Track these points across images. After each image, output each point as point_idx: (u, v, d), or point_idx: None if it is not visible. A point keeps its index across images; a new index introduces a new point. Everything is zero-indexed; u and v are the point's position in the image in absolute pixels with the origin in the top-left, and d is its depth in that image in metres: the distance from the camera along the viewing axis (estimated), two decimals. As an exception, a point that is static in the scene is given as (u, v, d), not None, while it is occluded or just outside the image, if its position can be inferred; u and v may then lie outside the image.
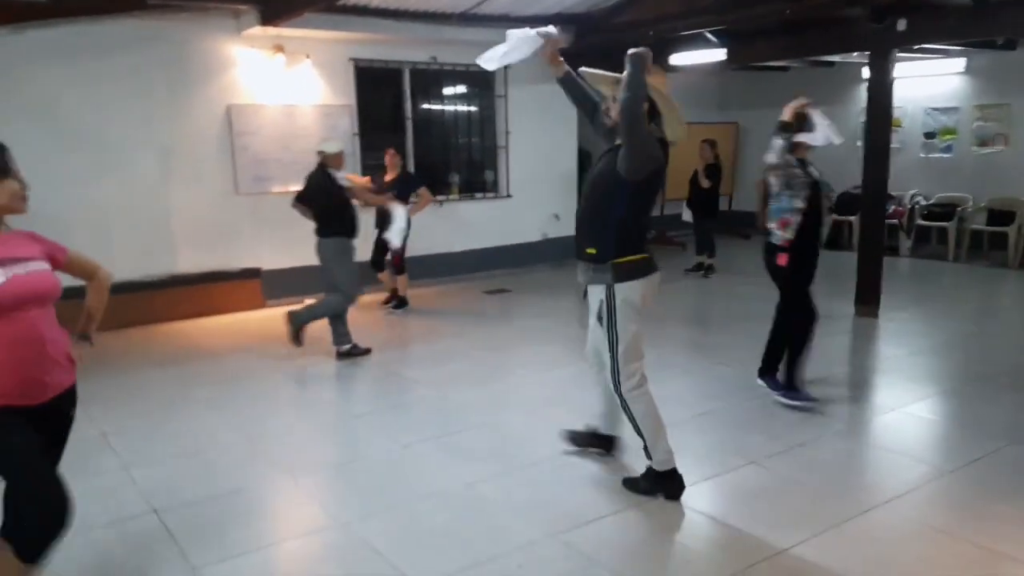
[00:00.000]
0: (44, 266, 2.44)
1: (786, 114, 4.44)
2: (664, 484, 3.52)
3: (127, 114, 7.00)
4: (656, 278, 3.41)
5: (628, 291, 3.30)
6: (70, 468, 4.05)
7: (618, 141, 3.26)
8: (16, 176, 2.37)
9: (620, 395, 3.44)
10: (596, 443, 4.00)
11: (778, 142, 4.41)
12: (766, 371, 4.79)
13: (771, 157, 4.44)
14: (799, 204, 4.42)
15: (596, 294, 3.40)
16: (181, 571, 3.00)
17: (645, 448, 3.52)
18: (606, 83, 3.46)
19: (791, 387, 4.69)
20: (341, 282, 5.87)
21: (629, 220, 3.29)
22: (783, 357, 4.73)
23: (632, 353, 3.38)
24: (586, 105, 3.63)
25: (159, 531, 3.31)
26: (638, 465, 3.70)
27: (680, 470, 3.50)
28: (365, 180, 7.26)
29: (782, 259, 4.50)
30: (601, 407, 3.91)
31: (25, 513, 2.30)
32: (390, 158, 7.39)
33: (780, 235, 4.49)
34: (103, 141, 6.92)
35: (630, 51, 3.12)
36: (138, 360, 5.99)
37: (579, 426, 4.06)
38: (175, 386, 5.36)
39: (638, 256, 3.32)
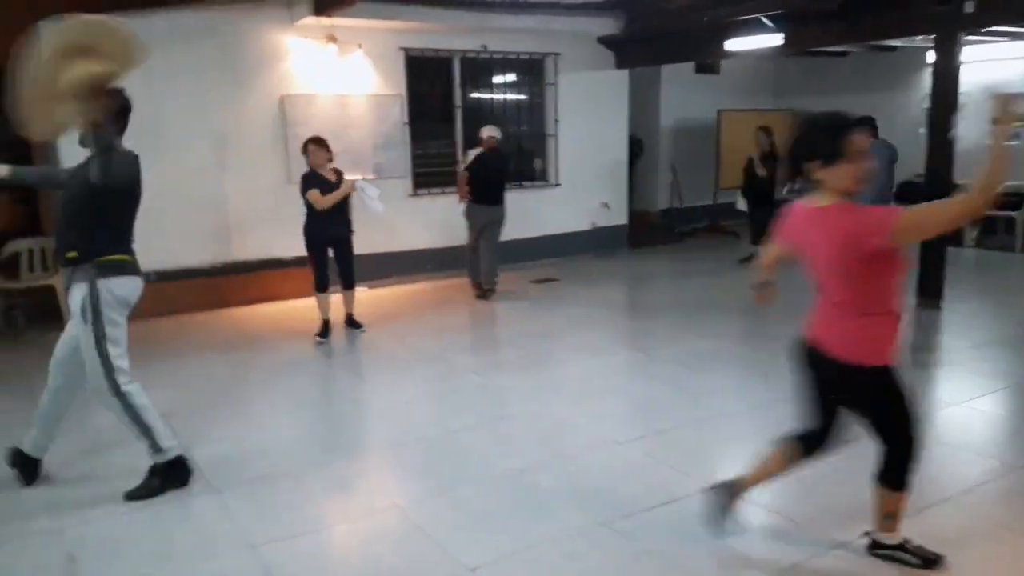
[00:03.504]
0: None
1: None
2: (177, 473, 3.56)
3: (184, 105, 7.15)
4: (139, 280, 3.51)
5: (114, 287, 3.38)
6: (132, 448, 4.16)
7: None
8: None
9: (118, 393, 3.37)
10: (19, 464, 3.62)
11: None
12: None
13: None
14: None
15: (78, 292, 3.35)
16: (242, 547, 3.08)
17: (152, 445, 3.47)
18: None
19: None
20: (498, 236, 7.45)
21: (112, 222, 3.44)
22: None
23: (119, 348, 3.40)
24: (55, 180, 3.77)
25: (219, 508, 3.40)
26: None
27: (737, 460, 3.42)
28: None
29: None
30: (41, 421, 3.60)
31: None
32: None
33: None
34: (160, 130, 7.05)
35: None
36: (196, 345, 6.14)
37: None
38: (232, 370, 5.48)
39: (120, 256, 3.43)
